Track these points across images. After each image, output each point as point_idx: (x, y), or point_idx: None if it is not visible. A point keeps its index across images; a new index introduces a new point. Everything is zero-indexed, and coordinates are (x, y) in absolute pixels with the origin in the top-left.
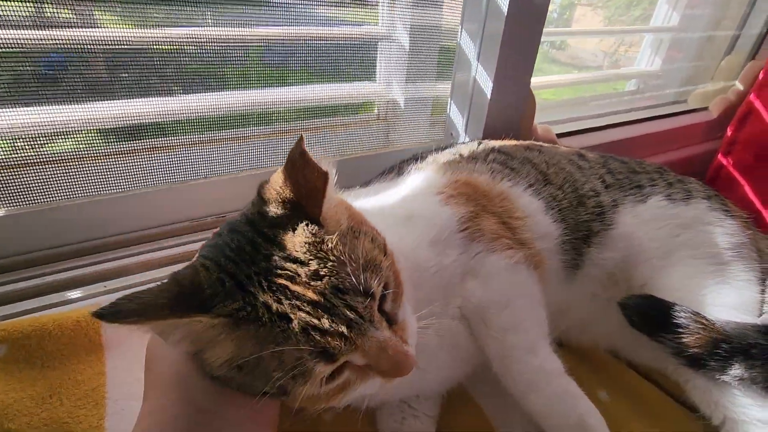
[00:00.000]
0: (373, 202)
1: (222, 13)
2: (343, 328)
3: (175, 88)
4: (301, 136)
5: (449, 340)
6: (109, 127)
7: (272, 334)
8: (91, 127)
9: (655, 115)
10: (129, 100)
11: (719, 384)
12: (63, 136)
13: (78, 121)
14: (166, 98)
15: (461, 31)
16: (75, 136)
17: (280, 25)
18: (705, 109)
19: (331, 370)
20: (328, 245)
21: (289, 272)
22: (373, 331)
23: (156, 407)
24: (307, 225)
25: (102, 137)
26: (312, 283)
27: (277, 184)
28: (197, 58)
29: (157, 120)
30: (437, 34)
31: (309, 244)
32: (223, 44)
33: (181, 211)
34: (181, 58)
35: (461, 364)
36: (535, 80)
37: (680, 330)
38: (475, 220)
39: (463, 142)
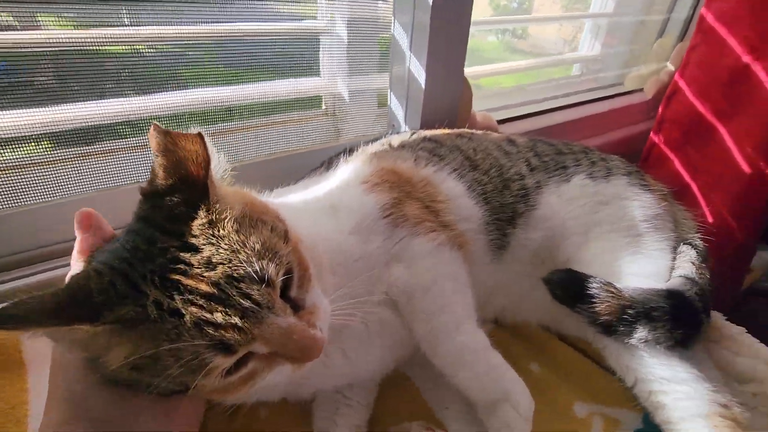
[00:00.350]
0: (298, 196)
1: (146, 10)
2: (237, 320)
3: (103, 91)
4: (155, 124)
5: (378, 327)
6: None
7: (164, 331)
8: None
9: (596, 97)
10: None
11: (629, 348)
12: (11, 143)
13: (26, 127)
14: (99, 101)
15: (394, 23)
16: (24, 141)
17: (220, 23)
18: (640, 90)
19: (232, 362)
20: (220, 231)
21: (182, 265)
22: (273, 318)
23: (51, 424)
24: (200, 205)
25: (51, 143)
26: (205, 274)
27: (160, 171)
28: (124, 60)
29: (93, 123)
30: (374, 27)
31: (203, 225)
32: (156, 43)
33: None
34: (104, 60)
35: (392, 349)
36: (483, 68)
37: (593, 300)
38: (399, 206)
39: (398, 133)
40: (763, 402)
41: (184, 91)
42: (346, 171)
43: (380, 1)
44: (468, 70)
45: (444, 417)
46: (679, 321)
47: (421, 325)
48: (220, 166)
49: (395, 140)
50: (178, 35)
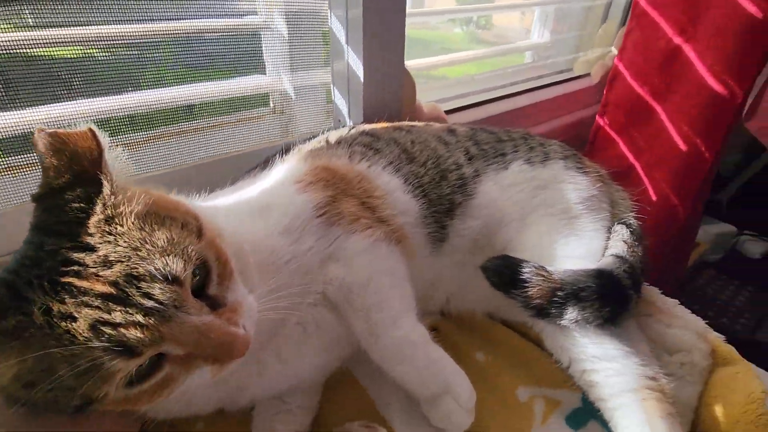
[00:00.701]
0: (228, 198)
1: (74, 10)
2: (139, 317)
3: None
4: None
5: (314, 328)
6: None
7: (54, 337)
8: None
9: (547, 83)
10: None
11: (563, 329)
12: None
13: None
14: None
15: (331, 16)
16: None
17: (157, 21)
18: (588, 75)
19: (136, 365)
20: (119, 228)
21: (75, 267)
22: (183, 316)
23: None
24: (96, 200)
25: None
26: (101, 273)
27: (51, 172)
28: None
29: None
30: (313, 21)
31: (99, 222)
32: (87, 43)
33: None
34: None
35: (331, 349)
36: (438, 59)
37: (526, 284)
38: (334, 204)
39: (336, 128)
40: (689, 371)
41: (122, 96)
42: (280, 171)
43: None
44: (420, 62)
45: (387, 413)
46: (607, 299)
47: (360, 323)
48: (119, 162)
49: (332, 136)
50: (111, 35)
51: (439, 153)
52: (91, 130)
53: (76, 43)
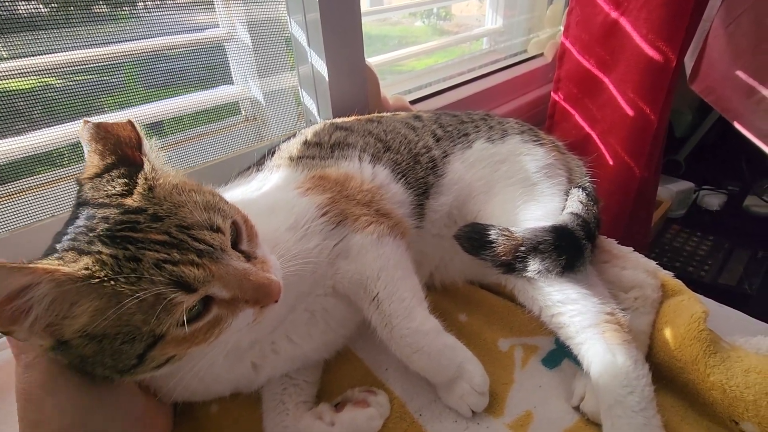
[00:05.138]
0: (235, 192)
1: (42, 38)
2: (194, 256)
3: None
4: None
5: (322, 313)
6: None
7: (124, 276)
8: None
9: (504, 65)
10: None
11: (531, 282)
12: None
13: None
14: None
15: (290, 22)
16: None
17: (115, 43)
18: (541, 55)
19: (194, 300)
20: (161, 193)
21: (130, 224)
22: (228, 259)
23: None
24: (138, 175)
25: None
26: (154, 227)
27: (95, 156)
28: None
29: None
30: (274, 28)
31: (143, 191)
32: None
33: None
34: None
35: (337, 330)
36: (399, 53)
37: (493, 245)
38: (335, 204)
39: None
40: (643, 303)
41: (99, 116)
42: (275, 178)
43: (273, 2)
44: (382, 57)
45: (385, 378)
46: (562, 249)
47: (375, 315)
48: (153, 149)
49: (309, 133)
50: (68, 62)
51: (410, 138)
52: (130, 121)
53: (31, 74)
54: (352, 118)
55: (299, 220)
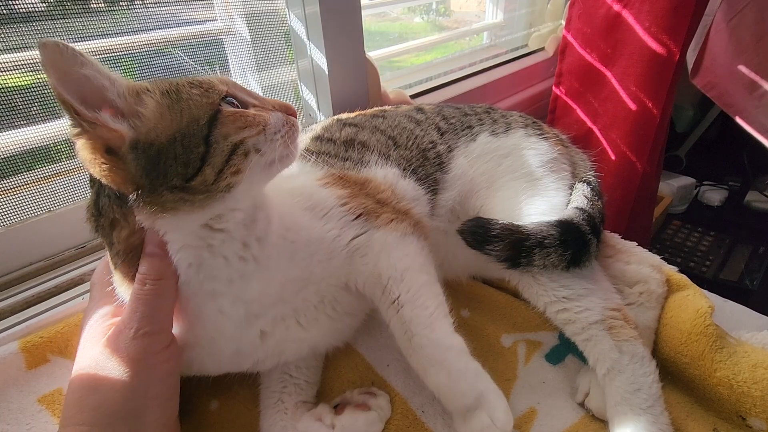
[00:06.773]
0: None
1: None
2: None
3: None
4: None
5: (331, 301)
6: None
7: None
8: None
9: (505, 60)
10: None
11: (535, 278)
12: None
13: None
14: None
15: (289, 15)
16: None
17: (120, 36)
18: (542, 49)
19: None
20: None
21: None
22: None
23: None
24: None
25: None
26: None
27: None
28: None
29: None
30: (273, 21)
31: None
32: None
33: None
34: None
35: (344, 320)
36: (399, 47)
37: (497, 240)
38: (356, 198)
39: (308, 123)
40: (647, 298)
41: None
42: (292, 168)
43: None
44: (382, 52)
45: (386, 374)
46: (568, 244)
47: (393, 319)
48: None
49: (318, 128)
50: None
51: (416, 133)
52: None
53: (27, 69)
54: (356, 113)
55: (318, 204)
